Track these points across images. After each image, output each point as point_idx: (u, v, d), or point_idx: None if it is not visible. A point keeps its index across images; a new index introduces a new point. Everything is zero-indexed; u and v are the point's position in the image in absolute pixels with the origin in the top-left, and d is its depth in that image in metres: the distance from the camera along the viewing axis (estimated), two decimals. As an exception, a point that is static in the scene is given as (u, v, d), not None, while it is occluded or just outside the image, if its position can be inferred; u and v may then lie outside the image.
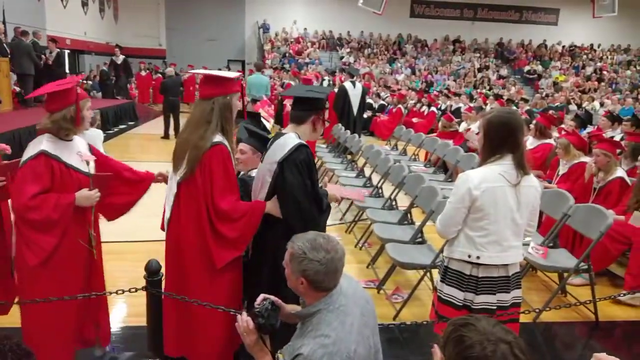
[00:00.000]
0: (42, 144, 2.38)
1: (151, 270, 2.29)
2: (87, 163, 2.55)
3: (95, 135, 7.84)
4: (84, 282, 2.57)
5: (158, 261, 2.33)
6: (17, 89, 10.35)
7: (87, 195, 2.45)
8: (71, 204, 2.39)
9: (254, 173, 2.87)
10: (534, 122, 6.09)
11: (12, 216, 2.52)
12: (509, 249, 2.32)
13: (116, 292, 2.46)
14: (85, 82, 17.32)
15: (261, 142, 2.97)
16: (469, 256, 2.33)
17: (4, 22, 10.79)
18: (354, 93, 8.97)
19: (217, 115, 2.41)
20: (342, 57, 21.85)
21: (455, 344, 1.21)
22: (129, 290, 2.42)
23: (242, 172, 3.10)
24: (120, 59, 13.24)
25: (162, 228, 2.63)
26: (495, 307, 2.36)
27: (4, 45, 9.92)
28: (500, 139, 2.30)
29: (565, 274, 3.80)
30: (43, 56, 11.05)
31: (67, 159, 2.44)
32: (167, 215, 2.55)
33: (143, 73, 18.07)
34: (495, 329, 1.21)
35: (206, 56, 21.54)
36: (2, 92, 9.38)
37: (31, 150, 2.38)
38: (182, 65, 19.77)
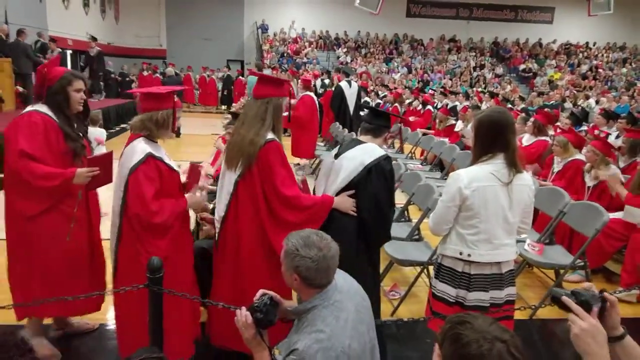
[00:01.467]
0: (145, 147, 2.46)
1: (153, 268, 2.30)
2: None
3: (98, 134, 7.91)
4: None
5: (159, 259, 2.35)
6: (21, 89, 10.35)
7: (198, 201, 2.68)
8: (185, 209, 2.58)
9: None
10: (531, 119, 6.13)
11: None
12: (500, 247, 2.34)
13: (118, 291, 2.49)
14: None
15: None
16: (461, 254, 2.36)
17: (6, 23, 10.79)
18: (350, 92, 9.00)
19: (270, 115, 2.56)
20: (339, 57, 21.89)
21: (452, 341, 1.22)
22: (131, 288, 2.44)
23: None
24: (94, 51, 12.34)
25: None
26: (488, 304, 2.38)
27: (6, 45, 9.93)
28: (491, 138, 2.32)
29: (562, 271, 3.83)
30: (43, 56, 11.02)
31: (166, 160, 2.57)
32: (221, 214, 2.64)
33: (145, 73, 18.04)
34: (492, 328, 1.22)
35: (206, 56, 21.59)
36: (5, 91, 9.39)
37: (134, 154, 2.44)
38: (181, 65, 19.81)
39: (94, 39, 11.74)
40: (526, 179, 2.39)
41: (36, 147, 2.57)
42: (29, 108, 2.71)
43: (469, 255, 2.34)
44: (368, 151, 2.64)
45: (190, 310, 2.74)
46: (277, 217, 2.56)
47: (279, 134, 2.62)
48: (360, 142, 2.74)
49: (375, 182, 2.57)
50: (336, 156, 2.76)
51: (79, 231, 2.79)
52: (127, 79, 17.41)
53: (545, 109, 9.65)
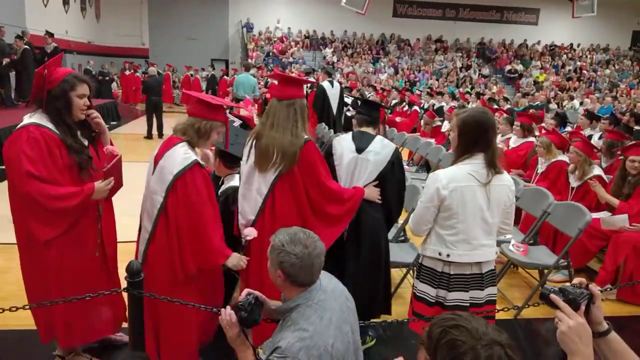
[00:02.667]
0: (189, 152, 2.44)
1: (132, 271, 2.26)
2: None
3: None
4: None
5: (138, 262, 2.30)
6: (-2, 90, 10.15)
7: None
8: None
9: (232, 182, 3.04)
10: (518, 122, 6.17)
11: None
12: (479, 247, 2.34)
13: (97, 295, 2.44)
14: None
15: (232, 161, 3.12)
16: (440, 254, 2.36)
17: (-17, 21, 10.53)
18: (333, 92, 8.95)
19: (300, 115, 2.65)
20: (325, 57, 21.88)
21: (449, 349, 1.15)
22: (110, 292, 2.40)
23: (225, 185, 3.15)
24: (51, 47, 11.42)
25: (236, 233, 2.74)
26: (468, 304, 2.38)
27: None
28: (473, 138, 2.31)
29: (545, 271, 3.86)
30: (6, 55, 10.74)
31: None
32: (251, 217, 2.67)
33: (127, 72, 17.80)
34: (488, 330, 1.17)
35: (189, 55, 21.41)
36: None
37: (177, 159, 2.40)
38: (164, 65, 19.61)
39: (51, 34, 11.28)
40: (505, 179, 2.38)
41: (42, 168, 2.34)
42: (26, 120, 2.43)
43: (447, 255, 2.34)
44: (385, 145, 2.91)
45: (194, 315, 2.58)
46: (320, 211, 2.70)
47: (307, 134, 2.72)
48: (370, 135, 2.95)
49: (398, 173, 2.94)
50: (358, 151, 2.89)
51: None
52: (107, 78, 17.18)
53: (531, 110, 9.74)
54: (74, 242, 2.51)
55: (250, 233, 2.62)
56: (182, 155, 2.41)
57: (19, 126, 2.43)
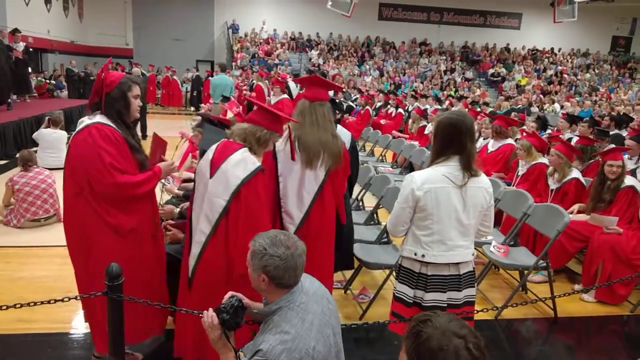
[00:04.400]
0: (250, 157, 2.48)
1: (112, 275, 2.24)
2: None
3: (59, 136, 7.68)
4: None
5: (119, 265, 2.28)
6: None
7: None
8: None
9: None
10: (491, 124, 6.26)
11: None
12: (454, 248, 2.36)
13: (75, 298, 2.41)
14: (48, 81, 16.82)
15: None
16: (415, 254, 2.38)
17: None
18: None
19: (331, 116, 2.89)
20: (311, 59, 21.90)
21: (414, 338, 1.26)
22: (89, 296, 2.37)
23: None
24: (20, 45, 10.90)
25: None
26: (445, 305, 2.39)
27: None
28: (448, 141, 2.34)
29: (525, 272, 3.92)
30: (12, 51, 10.49)
31: None
32: (301, 214, 2.85)
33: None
34: (452, 324, 1.25)
35: (174, 56, 21.26)
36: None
37: (245, 164, 2.44)
38: (147, 66, 19.39)
39: (18, 31, 10.93)
40: (482, 181, 2.39)
41: (121, 160, 2.50)
42: (87, 121, 2.53)
43: (422, 255, 2.36)
44: (344, 133, 3.27)
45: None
46: (340, 204, 3.05)
47: None
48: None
49: (356, 154, 3.56)
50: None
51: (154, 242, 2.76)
52: (92, 77, 16.95)
53: (512, 113, 9.87)
54: (145, 230, 2.67)
55: None
56: (249, 160, 2.46)
57: (81, 126, 2.52)
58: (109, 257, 2.42)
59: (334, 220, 3.00)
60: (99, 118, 2.53)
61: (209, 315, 1.91)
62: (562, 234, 3.77)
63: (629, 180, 4.24)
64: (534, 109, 15.23)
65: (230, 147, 2.51)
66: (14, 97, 11.35)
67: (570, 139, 6.56)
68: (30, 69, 12.37)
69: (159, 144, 2.87)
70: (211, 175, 2.48)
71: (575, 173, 4.63)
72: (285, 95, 8.13)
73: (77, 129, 2.55)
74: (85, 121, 2.55)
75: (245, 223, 2.43)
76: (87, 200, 2.50)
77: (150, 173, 2.62)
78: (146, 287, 2.63)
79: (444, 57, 23.78)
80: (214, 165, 2.48)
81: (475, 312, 2.58)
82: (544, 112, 14.48)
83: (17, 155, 5.46)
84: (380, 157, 8.45)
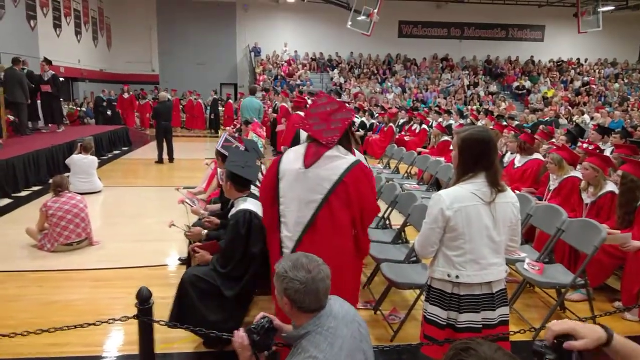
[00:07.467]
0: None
1: (142, 298, 2.25)
2: None
3: (90, 162, 7.91)
4: None
5: (148, 289, 2.29)
6: (12, 117, 10.32)
7: None
8: None
9: (243, 205, 3.14)
10: (517, 139, 6.15)
11: None
12: (488, 267, 2.29)
13: (108, 322, 2.42)
14: (79, 109, 17.39)
15: (243, 184, 3.26)
16: (449, 275, 2.31)
17: (-2, 51, 10.79)
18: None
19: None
20: (332, 78, 22.08)
21: None
22: (121, 320, 2.38)
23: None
24: (49, 75, 11.08)
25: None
26: (481, 326, 2.32)
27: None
28: (474, 158, 2.29)
29: (563, 290, 3.77)
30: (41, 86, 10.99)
31: None
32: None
33: (126, 96, 18.01)
34: (497, 355, 1.17)
35: (199, 80, 21.77)
36: (-4, 121, 9.38)
37: (341, 161, 2.63)
38: (171, 90, 19.89)
39: (49, 62, 11.40)
40: (509, 196, 2.34)
41: None
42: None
43: (457, 277, 2.30)
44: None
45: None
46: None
47: None
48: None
49: None
50: None
51: None
52: (114, 103, 17.50)
53: (541, 126, 9.68)
54: None
55: None
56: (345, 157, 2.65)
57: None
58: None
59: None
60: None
61: (240, 336, 1.90)
62: (599, 251, 3.62)
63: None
64: (563, 121, 14.93)
65: (319, 150, 2.68)
66: (41, 124, 11.86)
67: (602, 151, 6.38)
68: (62, 100, 12.86)
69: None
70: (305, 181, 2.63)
71: (611, 186, 4.46)
72: (299, 112, 8.20)
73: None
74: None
75: (357, 207, 2.60)
76: None
77: None
78: None
79: (467, 72, 23.65)
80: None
81: (512, 333, 2.49)
82: (573, 124, 14.15)
83: (50, 181, 5.61)
84: (406, 174, 8.37)
